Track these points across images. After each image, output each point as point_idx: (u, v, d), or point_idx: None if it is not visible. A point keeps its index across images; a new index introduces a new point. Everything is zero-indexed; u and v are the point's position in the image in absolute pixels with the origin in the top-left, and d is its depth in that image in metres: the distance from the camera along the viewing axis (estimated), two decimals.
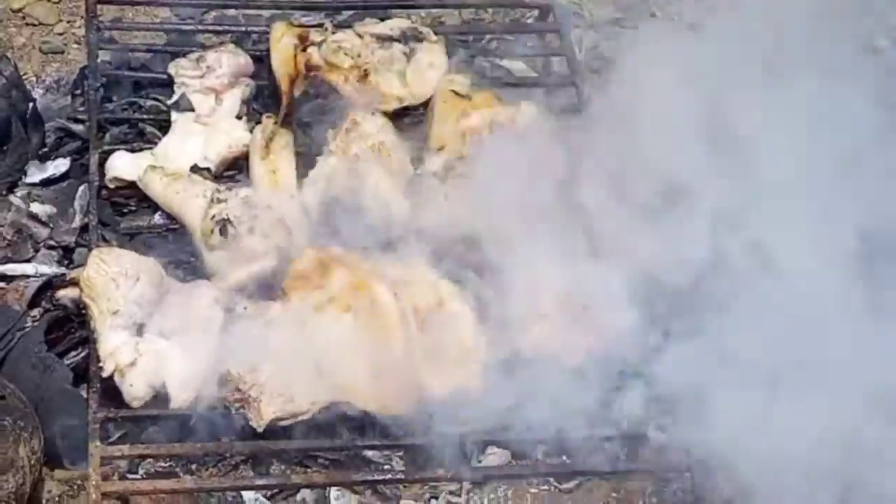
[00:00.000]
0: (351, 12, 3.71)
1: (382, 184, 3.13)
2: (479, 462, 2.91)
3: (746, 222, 2.97)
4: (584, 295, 2.96)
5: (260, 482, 2.87)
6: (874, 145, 3.03)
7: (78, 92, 3.50)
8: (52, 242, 3.24)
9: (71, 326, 3.04)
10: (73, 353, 3.02)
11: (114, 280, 2.85)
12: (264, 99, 3.41)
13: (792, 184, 2.97)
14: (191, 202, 3.08)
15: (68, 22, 3.83)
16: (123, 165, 3.20)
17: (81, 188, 3.29)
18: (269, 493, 2.90)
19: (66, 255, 3.23)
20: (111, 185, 3.20)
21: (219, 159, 3.24)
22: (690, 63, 3.11)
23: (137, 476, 2.90)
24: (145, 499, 2.83)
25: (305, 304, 2.87)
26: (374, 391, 2.80)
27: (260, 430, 2.75)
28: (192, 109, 3.30)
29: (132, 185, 3.18)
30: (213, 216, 3.00)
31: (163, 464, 2.94)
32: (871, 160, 3.01)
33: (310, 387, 2.79)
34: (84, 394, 2.88)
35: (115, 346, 2.80)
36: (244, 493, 2.89)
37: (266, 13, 3.71)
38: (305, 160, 3.20)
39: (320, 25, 3.51)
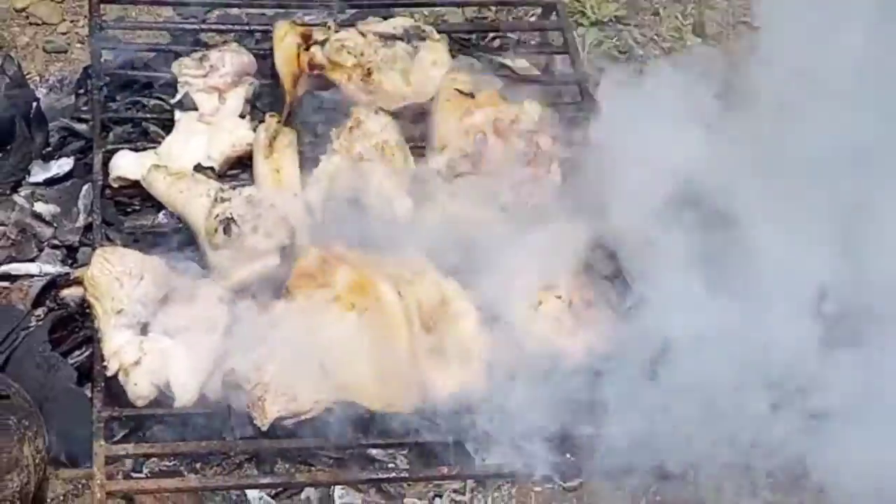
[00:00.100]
0: (354, 11, 3.71)
1: (386, 182, 3.13)
2: (483, 460, 2.91)
3: None
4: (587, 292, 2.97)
5: (264, 481, 2.87)
6: None
7: (81, 91, 3.51)
8: (55, 242, 3.24)
9: (75, 326, 3.05)
10: (78, 353, 3.02)
11: (118, 279, 2.86)
12: (267, 98, 3.41)
13: None
14: (194, 201, 3.08)
15: (71, 21, 3.83)
16: (127, 164, 3.20)
17: (85, 187, 3.29)
18: (273, 491, 2.91)
19: (70, 255, 3.23)
20: (115, 185, 3.20)
21: (222, 158, 3.24)
22: None
23: (142, 475, 2.91)
24: (150, 497, 2.83)
25: (309, 303, 2.87)
26: (378, 390, 2.80)
27: (264, 428, 2.75)
28: (196, 108, 3.30)
29: (136, 184, 3.18)
30: (217, 215, 3.00)
31: (167, 462, 2.94)
32: None
33: (314, 385, 2.79)
34: (88, 393, 2.88)
35: (119, 345, 2.80)
36: (248, 491, 2.90)
37: (269, 12, 3.70)
38: (309, 159, 3.20)
39: (323, 24, 3.51)
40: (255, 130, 3.24)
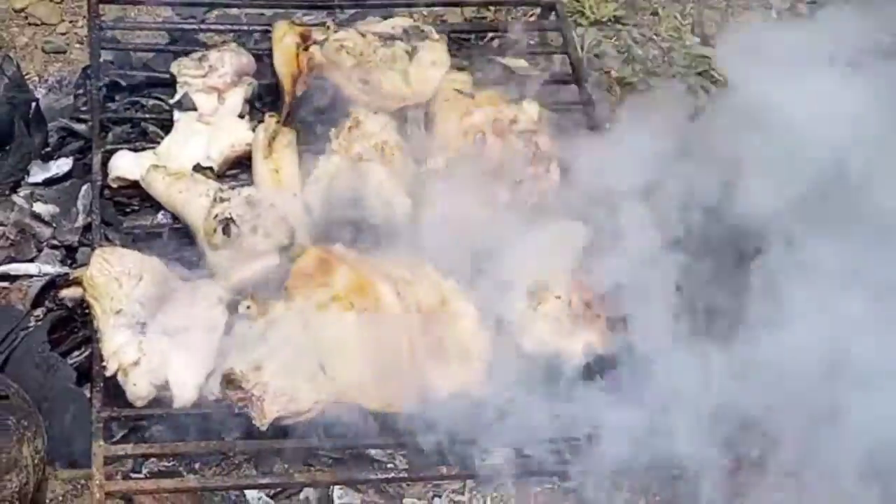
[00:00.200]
0: (353, 11, 3.71)
1: (385, 182, 3.13)
2: (483, 460, 2.91)
3: None
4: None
5: (263, 481, 2.87)
6: None
7: (80, 91, 3.51)
8: (55, 242, 3.24)
9: (74, 326, 3.05)
10: (77, 353, 3.02)
11: (117, 279, 2.86)
12: (267, 98, 3.41)
13: None
14: (194, 201, 3.08)
15: (70, 22, 3.83)
16: (126, 165, 3.20)
17: (84, 188, 3.29)
18: (272, 491, 2.91)
19: (70, 255, 3.23)
20: (114, 185, 3.20)
21: (221, 158, 3.24)
22: None
23: (141, 475, 2.90)
24: (149, 498, 2.83)
25: (308, 303, 2.87)
26: (377, 390, 2.80)
27: (263, 428, 2.75)
28: (195, 109, 3.30)
29: (135, 184, 3.18)
30: (216, 215, 3.00)
31: (166, 463, 2.94)
32: None
33: (313, 385, 2.79)
34: (87, 393, 2.88)
35: (118, 346, 2.80)
36: (247, 491, 2.90)
37: (268, 12, 3.71)
38: (308, 159, 3.20)
39: (322, 24, 3.51)
40: (254, 130, 3.24)
